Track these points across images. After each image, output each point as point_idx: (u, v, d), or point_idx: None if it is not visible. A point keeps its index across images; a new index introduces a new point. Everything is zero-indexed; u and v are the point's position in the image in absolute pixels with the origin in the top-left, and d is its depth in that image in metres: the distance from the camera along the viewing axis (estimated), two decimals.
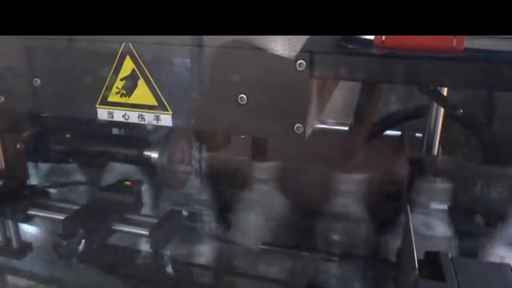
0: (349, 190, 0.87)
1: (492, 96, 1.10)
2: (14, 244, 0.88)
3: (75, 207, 0.80)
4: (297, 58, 0.58)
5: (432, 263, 0.69)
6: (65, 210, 0.80)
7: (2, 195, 0.82)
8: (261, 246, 0.88)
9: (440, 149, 1.03)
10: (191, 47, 0.63)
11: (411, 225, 0.68)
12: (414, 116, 1.13)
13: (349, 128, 1.00)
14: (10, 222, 0.86)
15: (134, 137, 0.86)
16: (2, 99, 0.77)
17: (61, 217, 0.77)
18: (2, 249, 0.87)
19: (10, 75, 0.75)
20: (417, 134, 1.10)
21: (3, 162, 0.82)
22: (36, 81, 0.73)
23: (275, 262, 0.89)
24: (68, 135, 0.89)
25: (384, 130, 1.18)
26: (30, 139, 0.85)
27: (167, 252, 0.82)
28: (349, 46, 0.59)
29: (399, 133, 1.19)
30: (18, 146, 0.83)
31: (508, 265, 0.68)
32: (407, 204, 0.76)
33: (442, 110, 0.97)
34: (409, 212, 0.72)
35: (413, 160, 0.95)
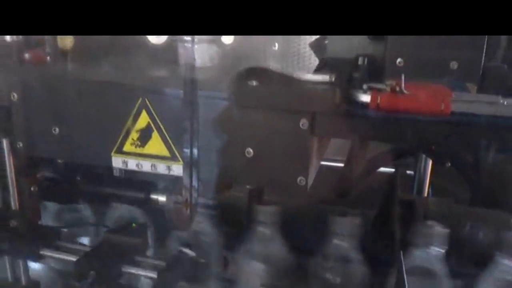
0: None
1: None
2: (24, 283, 0.91)
3: (86, 249, 0.84)
4: (300, 117, 0.64)
5: None
6: (75, 251, 0.84)
7: (15, 236, 0.85)
8: None
9: (431, 189, 1.08)
10: (203, 105, 0.69)
11: (403, 269, 0.73)
12: (406, 154, 1.17)
13: (344, 166, 1.05)
14: (20, 262, 0.90)
15: (142, 180, 0.91)
16: (21, 145, 0.82)
17: (72, 258, 0.81)
18: None
19: (30, 123, 0.80)
20: (408, 172, 1.15)
21: (17, 204, 0.86)
22: (55, 129, 0.78)
23: None
24: (78, 178, 0.93)
25: (377, 168, 1.23)
26: (42, 181, 0.90)
27: None
28: (347, 107, 0.65)
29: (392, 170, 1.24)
30: (32, 188, 0.87)
31: None
32: (400, 249, 0.80)
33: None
34: (401, 257, 0.77)
35: (404, 202, 1.00)
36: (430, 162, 1.06)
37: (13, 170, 0.85)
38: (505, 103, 0.63)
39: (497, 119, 0.61)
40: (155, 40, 0.84)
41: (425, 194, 1.11)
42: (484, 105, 0.62)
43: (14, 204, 0.87)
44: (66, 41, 0.87)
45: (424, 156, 1.05)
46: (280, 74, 0.69)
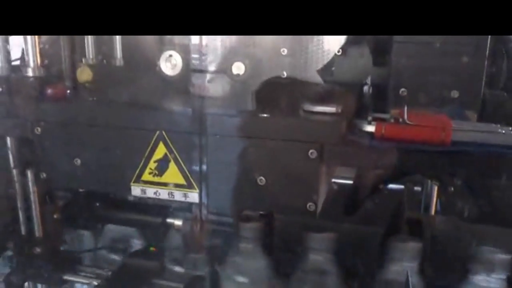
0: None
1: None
2: None
3: (106, 273, 0.88)
4: (309, 148, 0.68)
5: None
6: (97, 275, 0.88)
7: (40, 262, 0.90)
8: None
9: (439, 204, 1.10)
10: (217, 136, 0.73)
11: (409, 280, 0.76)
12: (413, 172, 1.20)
13: (353, 182, 1.09)
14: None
15: (157, 205, 0.95)
16: (44, 175, 0.87)
17: (94, 282, 0.85)
18: None
19: (52, 155, 0.85)
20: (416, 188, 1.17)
21: (41, 231, 0.90)
22: (76, 160, 0.83)
23: None
24: (97, 204, 0.98)
25: (386, 184, 1.25)
26: (65, 209, 0.94)
27: None
28: (353, 137, 0.69)
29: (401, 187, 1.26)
30: (55, 216, 0.92)
31: None
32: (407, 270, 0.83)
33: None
34: (409, 276, 0.80)
35: (411, 220, 1.03)
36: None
37: (37, 199, 0.90)
38: (504, 132, 0.67)
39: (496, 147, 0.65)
40: (170, 72, 0.88)
41: (433, 211, 1.13)
42: (483, 134, 0.66)
43: (38, 231, 0.91)
44: (84, 76, 0.92)
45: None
46: (289, 105, 0.73)
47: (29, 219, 0.91)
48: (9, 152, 0.91)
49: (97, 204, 0.99)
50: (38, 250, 0.90)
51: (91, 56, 0.89)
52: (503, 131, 0.66)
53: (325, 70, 0.87)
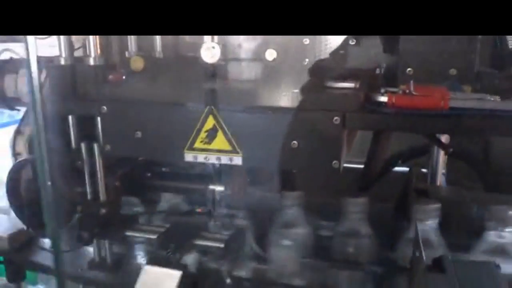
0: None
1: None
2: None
3: (161, 229, 1.05)
4: (334, 115, 0.85)
5: (438, 264, 0.92)
6: (153, 231, 1.05)
7: (105, 221, 1.06)
8: None
9: (444, 181, 1.26)
10: (256, 110, 0.90)
11: (419, 236, 0.92)
12: (420, 154, 1.35)
13: (364, 166, 1.25)
14: (106, 243, 1.11)
15: (200, 174, 1.12)
16: (108, 148, 1.04)
17: (152, 236, 1.02)
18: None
19: (116, 129, 1.02)
20: (423, 170, 1.33)
21: (104, 196, 1.07)
22: (137, 134, 1.00)
23: None
24: (148, 174, 1.15)
25: (394, 167, 1.41)
26: (123, 178, 1.11)
27: None
28: (369, 106, 0.85)
29: (407, 169, 1.42)
30: (116, 183, 1.08)
31: (493, 262, 0.91)
32: (416, 221, 0.99)
33: (442, 158, 1.22)
34: (417, 227, 0.95)
35: (419, 190, 1.19)
36: (441, 158, 1.24)
37: (102, 169, 1.07)
38: (492, 99, 0.82)
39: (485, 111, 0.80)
40: (209, 60, 1.04)
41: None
42: (475, 101, 0.82)
43: (102, 196, 1.08)
44: (137, 64, 1.09)
45: (436, 152, 1.24)
46: (318, 84, 0.90)
47: (94, 186, 1.08)
48: (72, 130, 1.09)
49: (148, 175, 1.17)
50: (103, 211, 1.07)
51: (133, 50, 1.05)
52: (492, 99, 0.82)
53: (342, 57, 1.03)
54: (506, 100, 0.82)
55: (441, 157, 1.23)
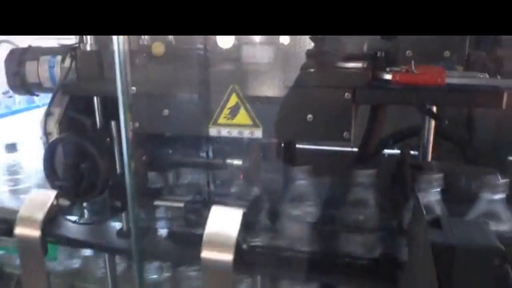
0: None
1: (472, 116, 1.48)
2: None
3: (185, 199, 1.16)
4: (345, 91, 0.97)
5: (436, 224, 1.05)
6: (178, 201, 1.16)
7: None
8: None
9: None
10: (275, 87, 1.01)
11: (419, 200, 1.05)
12: (411, 135, 1.48)
13: (359, 148, 1.38)
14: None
15: (219, 150, 1.23)
16: (137, 125, 1.14)
17: (179, 205, 1.13)
18: None
19: (144, 107, 1.12)
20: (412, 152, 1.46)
21: (133, 170, 1.18)
22: (164, 111, 1.10)
23: None
24: (170, 151, 1.25)
25: (386, 147, 1.53)
26: (149, 153, 1.21)
27: None
28: (376, 83, 0.97)
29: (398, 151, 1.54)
30: (143, 158, 1.19)
31: (485, 221, 1.05)
32: (414, 188, 1.12)
33: (432, 130, 1.35)
34: (416, 192, 1.08)
35: (413, 165, 1.32)
36: (431, 139, 1.38)
37: (130, 145, 1.17)
38: (481, 76, 0.95)
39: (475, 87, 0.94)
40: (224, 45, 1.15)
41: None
42: (466, 78, 0.95)
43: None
44: (159, 49, 1.19)
45: (426, 134, 1.37)
46: (329, 63, 1.01)
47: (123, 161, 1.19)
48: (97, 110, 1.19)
49: (170, 151, 1.27)
50: None
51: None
52: (481, 76, 0.95)
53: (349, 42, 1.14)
54: (493, 77, 0.95)
55: (431, 137, 1.37)
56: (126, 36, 1.13)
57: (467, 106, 1.04)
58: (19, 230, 0.95)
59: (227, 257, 0.79)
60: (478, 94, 0.93)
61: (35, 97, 2.38)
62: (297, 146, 1.32)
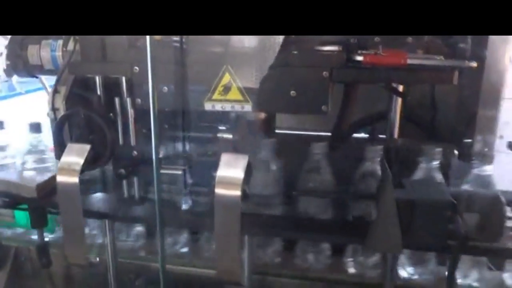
0: None
1: (434, 99, 1.67)
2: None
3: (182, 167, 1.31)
4: (323, 70, 1.13)
5: (399, 184, 1.23)
6: (176, 169, 1.31)
7: (137, 162, 1.31)
8: None
9: None
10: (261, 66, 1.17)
11: (385, 162, 1.23)
12: (379, 119, 1.66)
13: (332, 131, 1.56)
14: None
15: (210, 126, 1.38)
16: (139, 101, 1.28)
17: (177, 172, 1.28)
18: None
19: (146, 86, 1.26)
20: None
21: (135, 142, 1.32)
22: (164, 88, 1.25)
23: None
24: (166, 126, 1.39)
25: (356, 131, 1.71)
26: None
27: None
28: (349, 63, 1.14)
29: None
30: (144, 131, 1.32)
31: (442, 181, 1.24)
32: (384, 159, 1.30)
33: (398, 111, 1.54)
34: (385, 163, 1.26)
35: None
36: (397, 123, 1.57)
37: (133, 119, 1.31)
38: (438, 58, 1.13)
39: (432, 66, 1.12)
40: None
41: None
42: (425, 60, 1.13)
43: (133, 141, 1.33)
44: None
45: (392, 118, 1.56)
46: (310, 47, 1.18)
47: (125, 134, 1.33)
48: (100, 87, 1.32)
49: (166, 126, 1.42)
50: (134, 153, 1.32)
51: None
52: (438, 58, 1.13)
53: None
54: (448, 59, 1.14)
55: (397, 118, 1.56)
56: None
57: (425, 83, 1.22)
58: (60, 178, 1.10)
59: (236, 193, 0.96)
60: (434, 72, 1.11)
61: (16, 86, 2.52)
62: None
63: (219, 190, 1.02)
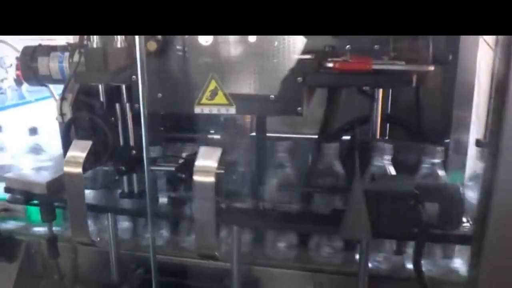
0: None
1: (419, 101, 1.79)
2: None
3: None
4: (297, 76, 1.28)
5: (371, 178, 1.36)
6: (171, 167, 1.46)
7: (134, 160, 1.46)
8: None
9: None
10: (246, 76, 1.32)
11: (357, 159, 1.36)
12: (362, 123, 1.79)
13: (319, 132, 1.69)
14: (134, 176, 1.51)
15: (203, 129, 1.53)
16: (137, 106, 1.43)
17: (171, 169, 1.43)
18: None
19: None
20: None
21: (133, 142, 1.47)
22: (159, 95, 1.40)
23: None
24: (162, 128, 1.55)
25: (342, 135, 1.84)
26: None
27: None
28: (321, 69, 1.28)
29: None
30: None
31: (408, 176, 1.37)
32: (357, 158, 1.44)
33: (379, 114, 1.67)
34: (357, 155, 1.40)
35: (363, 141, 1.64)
36: (378, 125, 1.69)
37: (131, 121, 1.46)
38: (399, 63, 1.27)
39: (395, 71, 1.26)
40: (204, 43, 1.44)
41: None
42: (389, 65, 1.27)
43: (132, 142, 1.48)
44: (152, 46, 1.47)
45: (374, 121, 1.69)
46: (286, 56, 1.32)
47: (125, 135, 1.48)
48: (102, 94, 1.48)
49: (162, 128, 1.57)
50: (133, 152, 1.47)
51: None
52: (399, 63, 1.27)
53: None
54: (409, 64, 1.28)
55: (378, 120, 1.69)
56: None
57: (388, 86, 1.37)
58: (67, 169, 1.30)
59: (210, 179, 1.12)
60: (395, 76, 1.25)
61: (26, 94, 2.72)
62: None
63: (196, 177, 1.17)
